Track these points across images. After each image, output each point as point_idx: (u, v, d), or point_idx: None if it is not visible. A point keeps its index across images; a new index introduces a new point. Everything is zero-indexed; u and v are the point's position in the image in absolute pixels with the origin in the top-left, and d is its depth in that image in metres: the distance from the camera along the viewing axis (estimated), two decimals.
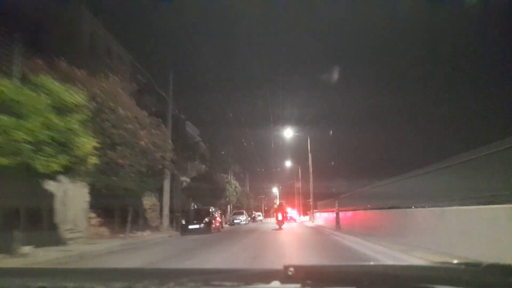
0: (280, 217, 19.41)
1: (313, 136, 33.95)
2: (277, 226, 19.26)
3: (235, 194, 34.70)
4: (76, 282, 1.28)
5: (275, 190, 75.09)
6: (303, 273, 1.27)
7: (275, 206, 59.54)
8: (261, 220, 54.30)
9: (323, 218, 26.15)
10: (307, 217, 47.35)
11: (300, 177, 52.47)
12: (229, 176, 37.70)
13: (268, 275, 1.38)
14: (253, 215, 42.39)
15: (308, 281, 1.17)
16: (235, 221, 31.54)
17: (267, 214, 75.98)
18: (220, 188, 26.06)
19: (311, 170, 32.21)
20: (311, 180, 31.95)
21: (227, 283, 1.22)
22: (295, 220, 38.92)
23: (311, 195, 32.25)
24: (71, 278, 1.39)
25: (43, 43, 15.12)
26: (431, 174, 7.93)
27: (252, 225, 32.47)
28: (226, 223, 32.85)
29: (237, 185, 35.97)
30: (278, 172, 62.82)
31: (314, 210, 32.62)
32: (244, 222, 31.82)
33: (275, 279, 1.21)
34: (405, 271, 1.33)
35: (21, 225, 8.14)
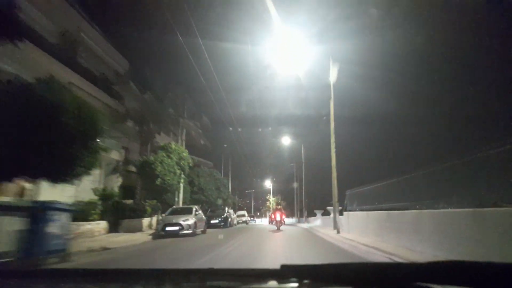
0: (278, 217, 19.82)
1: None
2: (274, 227, 19.59)
3: (178, 171, 17.09)
4: (73, 283, 1.36)
5: (268, 184, 60.26)
6: (300, 273, 1.21)
7: (268, 204, 53.64)
8: (245, 222, 36.92)
9: (403, 229, 9.10)
10: (305, 219, 35.96)
11: (303, 163, 36.04)
12: (179, 139, 20.20)
13: (265, 275, 1.35)
14: (225, 215, 24.53)
15: (306, 281, 1.16)
16: (168, 228, 14.31)
17: (256, 213, 61.71)
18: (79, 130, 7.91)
19: (332, 117, 14.92)
20: (332, 137, 14.68)
21: (224, 283, 1.31)
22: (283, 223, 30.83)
23: (334, 173, 14.98)
24: (69, 279, 1.47)
25: None
26: None
27: (214, 236, 15.38)
28: (150, 234, 15.60)
29: (186, 154, 18.22)
30: (272, 160, 47.60)
31: (339, 207, 15.26)
32: (190, 230, 14.59)
33: (272, 279, 1.22)
34: (402, 269, 1.23)
35: None
